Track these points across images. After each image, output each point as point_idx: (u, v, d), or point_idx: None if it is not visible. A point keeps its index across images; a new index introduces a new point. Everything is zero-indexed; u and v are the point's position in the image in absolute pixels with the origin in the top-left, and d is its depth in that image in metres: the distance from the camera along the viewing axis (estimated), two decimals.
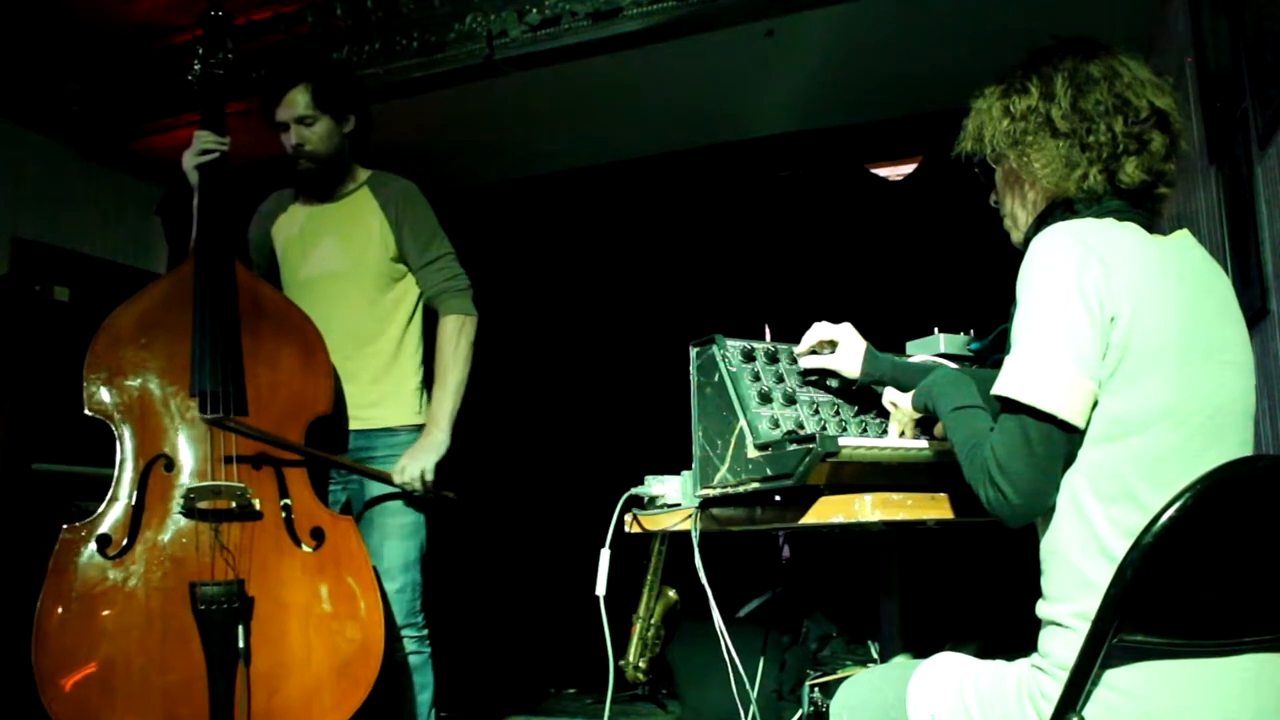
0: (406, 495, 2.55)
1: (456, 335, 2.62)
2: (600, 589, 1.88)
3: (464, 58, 3.92)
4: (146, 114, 4.41)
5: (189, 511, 2.20)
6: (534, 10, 3.78)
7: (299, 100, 2.58)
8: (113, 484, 2.22)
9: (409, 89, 4.05)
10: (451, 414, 2.58)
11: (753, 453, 1.55)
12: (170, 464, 2.25)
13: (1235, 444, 1.28)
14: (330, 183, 2.70)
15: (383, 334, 2.65)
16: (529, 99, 4.31)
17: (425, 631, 2.58)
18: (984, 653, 1.43)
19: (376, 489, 2.58)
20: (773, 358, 1.72)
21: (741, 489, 1.57)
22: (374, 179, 2.73)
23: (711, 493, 1.65)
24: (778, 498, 1.57)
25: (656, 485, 1.85)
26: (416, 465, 2.50)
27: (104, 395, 2.25)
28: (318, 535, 2.30)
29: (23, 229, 4.29)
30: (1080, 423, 1.23)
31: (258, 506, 2.25)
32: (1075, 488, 1.25)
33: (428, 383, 2.69)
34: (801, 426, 1.62)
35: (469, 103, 4.31)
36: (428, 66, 3.98)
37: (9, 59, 4.12)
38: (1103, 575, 1.17)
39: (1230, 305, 1.35)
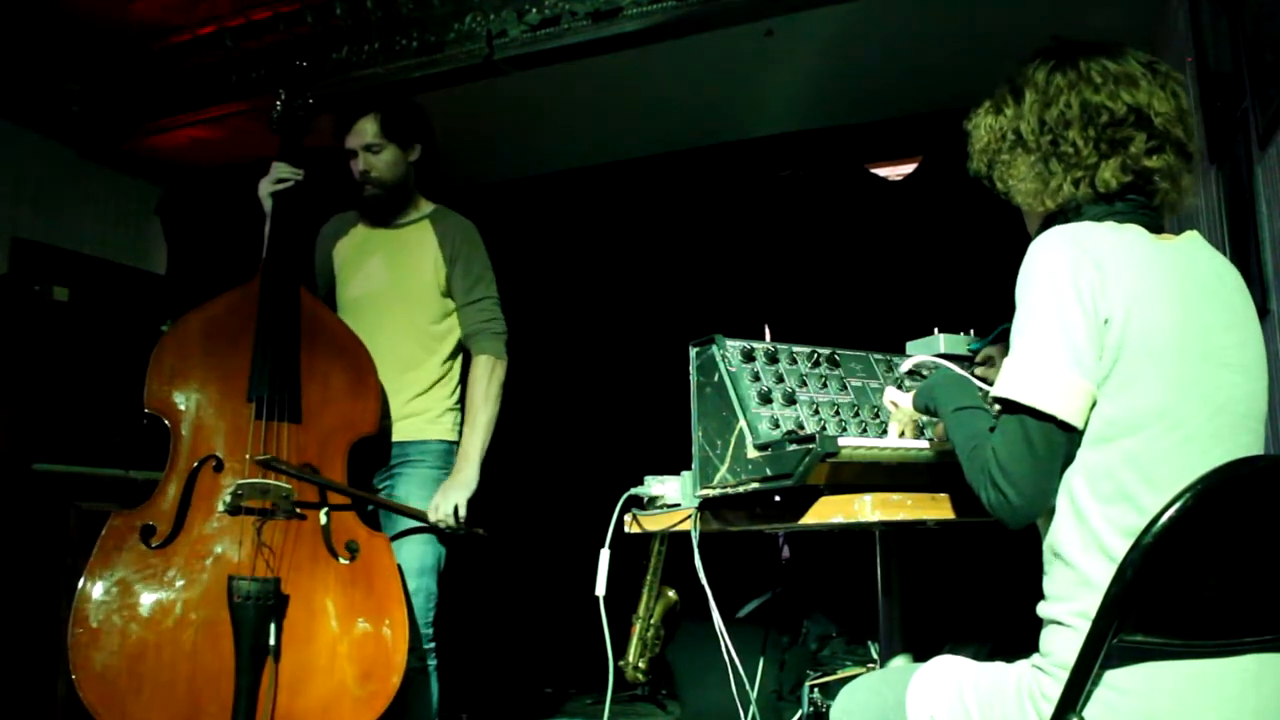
0: (431, 531, 2.60)
1: (487, 377, 2.71)
2: (600, 589, 1.88)
3: (464, 57, 3.93)
4: (146, 114, 4.41)
5: (234, 509, 2.27)
6: (534, 10, 3.78)
7: (368, 129, 2.71)
8: (162, 478, 2.31)
9: (409, 89, 4.04)
10: (481, 451, 2.66)
11: (753, 453, 1.55)
12: (220, 465, 2.33)
13: (1240, 445, 1.27)
14: (393, 210, 2.80)
15: (425, 362, 2.73)
16: (529, 99, 4.31)
17: (433, 645, 2.61)
18: (983, 654, 1.43)
19: (403, 494, 2.64)
20: (773, 358, 1.72)
21: (741, 489, 1.57)
22: (436, 213, 2.83)
23: (711, 493, 1.65)
24: (777, 498, 1.57)
25: (656, 485, 1.85)
26: (449, 502, 2.57)
27: (165, 395, 2.36)
28: (352, 549, 2.36)
29: (22, 229, 4.29)
30: (1079, 423, 1.24)
31: (300, 510, 2.32)
32: (1073, 488, 1.26)
33: (460, 409, 2.78)
34: (801, 426, 1.62)
35: (469, 103, 4.31)
36: (427, 66, 3.99)
37: (9, 59, 4.12)
38: (1103, 575, 1.17)
39: (1237, 307, 1.34)
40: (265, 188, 2.64)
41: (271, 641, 2.16)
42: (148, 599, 2.18)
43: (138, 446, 3.62)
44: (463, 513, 2.57)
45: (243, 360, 2.41)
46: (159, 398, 2.35)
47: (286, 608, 2.23)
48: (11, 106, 4.26)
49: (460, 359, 2.81)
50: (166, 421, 2.35)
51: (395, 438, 2.69)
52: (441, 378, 2.75)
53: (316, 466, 2.39)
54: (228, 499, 2.27)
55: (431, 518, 2.57)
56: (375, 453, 2.64)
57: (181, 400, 2.36)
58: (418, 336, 2.73)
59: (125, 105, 4.42)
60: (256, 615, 2.16)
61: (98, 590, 2.16)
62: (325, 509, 2.35)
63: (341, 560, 2.34)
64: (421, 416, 2.71)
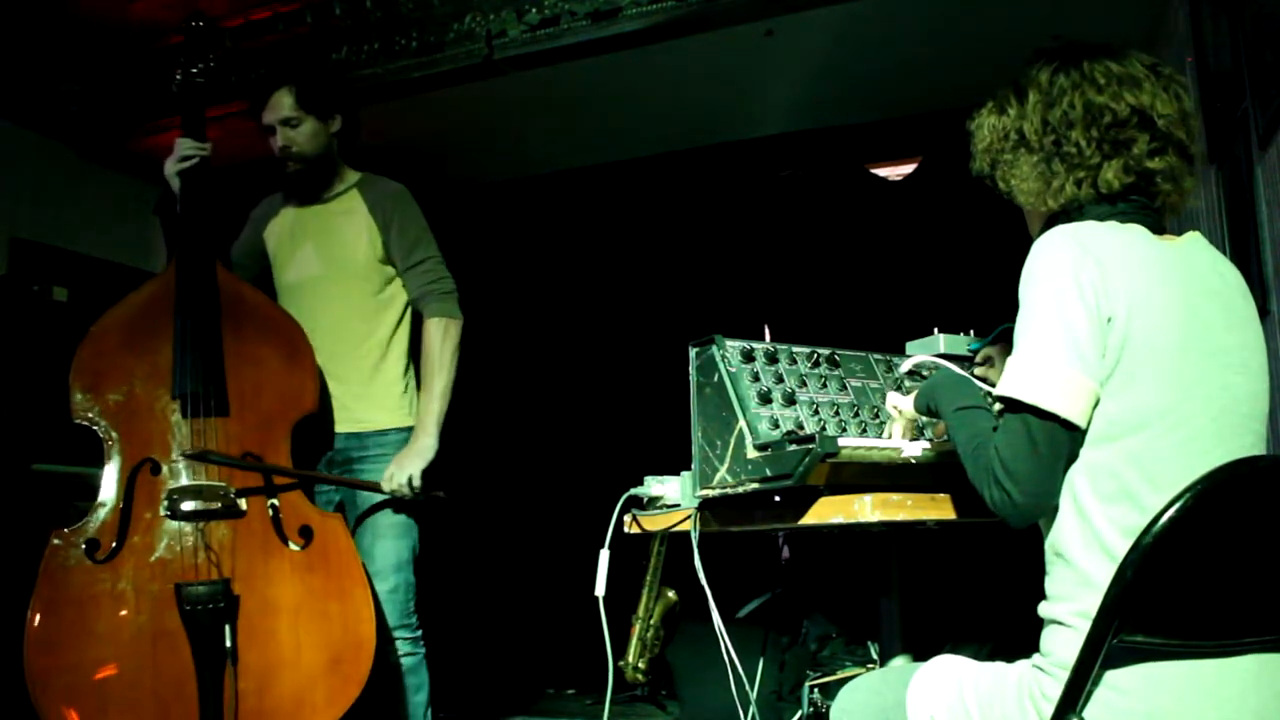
0: (397, 499, 2.56)
1: (440, 339, 2.63)
2: (599, 590, 1.88)
3: (463, 57, 3.92)
4: (145, 114, 4.40)
5: (174, 513, 2.22)
6: (533, 10, 3.77)
7: (284, 102, 2.62)
8: (101, 489, 2.25)
9: (408, 89, 4.04)
10: (438, 418, 2.59)
11: (752, 453, 1.55)
12: (157, 468, 2.27)
13: (1243, 446, 1.27)
14: (319, 184, 2.72)
15: (371, 335, 2.66)
16: (529, 99, 4.30)
17: (419, 633, 2.59)
18: (983, 654, 1.43)
19: (365, 493, 2.59)
20: (772, 358, 1.72)
21: (741, 490, 1.57)
22: (364, 181, 2.75)
23: (711, 493, 1.65)
24: (777, 498, 1.57)
25: (656, 486, 1.85)
26: (404, 472, 2.52)
27: (89, 402, 2.29)
28: (306, 534, 2.31)
29: (21, 229, 4.28)
30: (1082, 422, 1.24)
31: (242, 505, 2.27)
32: (1076, 487, 1.26)
33: (418, 384, 2.71)
34: (801, 427, 1.62)
35: (469, 103, 4.31)
36: (427, 66, 3.98)
37: (8, 59, 4.11)
38: (1104, 574, 1.17)
39: (1238, 308, 1.34)
40: (170, 168, 2.55)
41: (228, 644, 2.13)
42: (100, 615, 2.14)
43: None
44: (417, 482, 2.51)
45: (165, 355, 2.33)
46: (85, 407, 2.28)
47: (242, 607, 2.18)
48: (11, 106, 4.25)
49: (409, 330, 2.72)
50: (96, 430, 2.28)
51: (351, 428, 2.63)
52: (389, 351, 2.67)
53: (259, 455, 2.33)
54: (165, 505, 2.22)
55: (386, 488, 2.51)
56: (320, 441, 2.58)
57: (108, 407, 2.29)
58: (360, 310, 2.65)
59: (125, 105, 4.41)
60: (208, 620, 2.12)
61: (49, 613, 2.12)
62: (271, 500, 2.29)
63: (294, 547, 2.28)
64: (375, 402, 2.64)
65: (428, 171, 2.92)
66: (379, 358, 2.66)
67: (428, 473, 2.55)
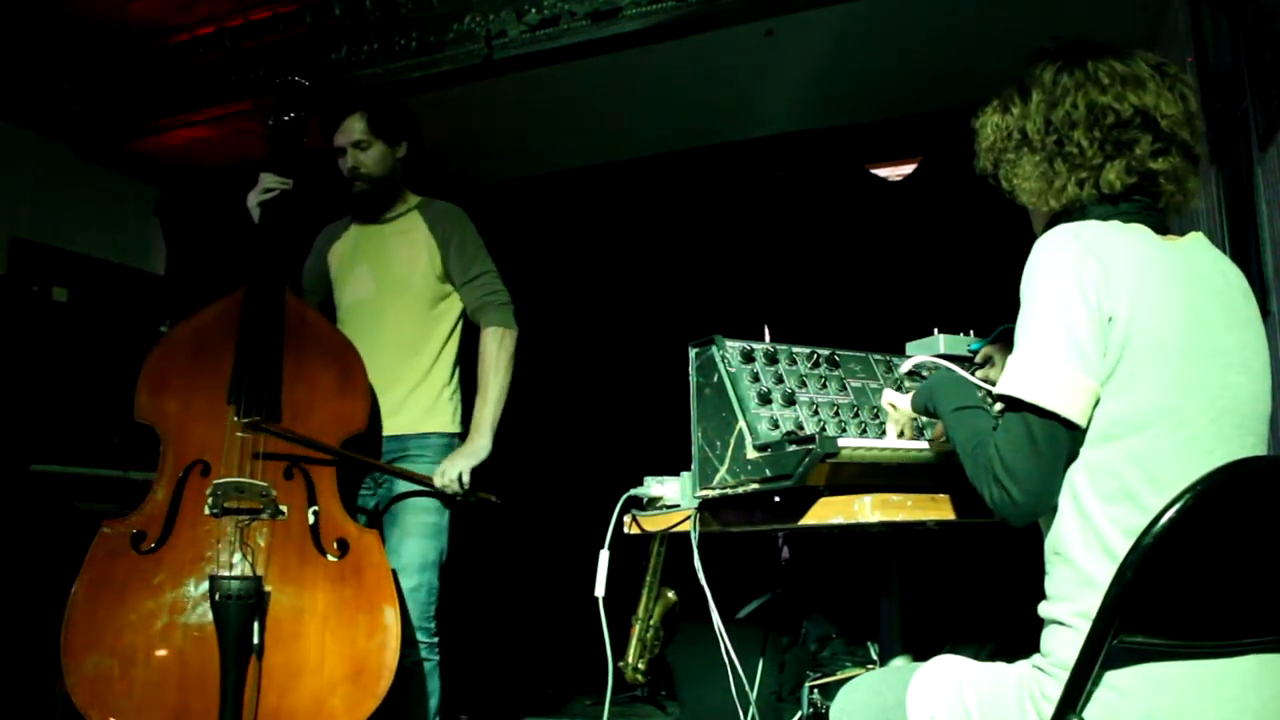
0: (436, 496, 2.64)
1: (497, 347, 2.74)
2: (599, 590, 1.88)
3: (463, 58, 3.93)
4: (145, 115, 4.41)
5: (218, 510, 2.29)
6: (533, 10, 3.78)
7: (355, 126, 2.77)
8: (153, 484, 2.35)
9: (408, 89, 4.05)
10: (493, 422, 2.69)
11: (752, 454, 1.55)
12: (207, 469, 2.36)
13: (1244, 447, 1.27)
14: (381, 206, 2.85)
15: (425, 346, 2.76)
16: (528, 99, 4.31)
17: (436, 639, 2.62)
18: (984, 654, 1.43)
19: (404, 488, 2.65)
20: (772, 358, 1.72)
21: (741, 490, 1.57)
22: (424, 203, 2.89)
23: (711, 494, 1.65)
24: (777, 499, 1.57)
25: (656, 486, 1.85)
26: (455, 469, 2.60)
27: (152, 405, 2.42)
28: (342, 546, 2.37)
29: (21, 229, 4.28)
30: (1082, 421, 1.24)
31: (283, 508, 2.34)
32: (1076, 487, 1.26)
33: (463, 396, 2.81)
34: (801, 427, 1.62)
35: (469, 103, 4.31)
36: (426, 66, 3.99)
37: (7, 59, 4.11)
38: (1104, 574, 1.17)
39: (1240, 308, 1.34)
40: (254, 198, 2.69)
41: (255, 640, 2.18)
42: (137, 604, 2.21)
43: (136, 447, 3.62)
44: (466, 479, 2.60)
45: (227, 367, 2.45)
46: (147, 408, 2.41)
47: (272, 607, 2.24)
48: (10, 106, 4.25)
49: (458, 341, 2.83)
50: (156, 430, 2.40)
51: (394, 431, 2.70)
52: (439, 361, 2.77)
53: (306, 468, 2.40)
54: (210, 500, 2.29)
55: (437, 483, 2.59)
56: (367, 452, 2.64)
57: (169, 409, 2.41)
58: (413, 326, 2.76)
59: (124, 105, 4.41)
60: (238, 614, 2.18)
61: (89, 597, 2.19)
62: (312, 508, 2.36)
63: (330, 558, 2.34)
64: (419, 407, 2.72)
65: (428, 171, 2.93)
66: (429, 366, 2.76)
67: (475, 475, 2.63)
